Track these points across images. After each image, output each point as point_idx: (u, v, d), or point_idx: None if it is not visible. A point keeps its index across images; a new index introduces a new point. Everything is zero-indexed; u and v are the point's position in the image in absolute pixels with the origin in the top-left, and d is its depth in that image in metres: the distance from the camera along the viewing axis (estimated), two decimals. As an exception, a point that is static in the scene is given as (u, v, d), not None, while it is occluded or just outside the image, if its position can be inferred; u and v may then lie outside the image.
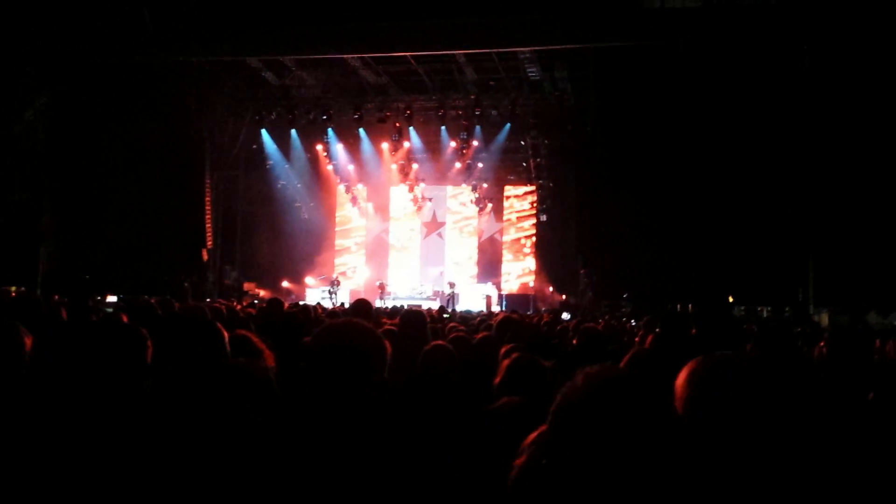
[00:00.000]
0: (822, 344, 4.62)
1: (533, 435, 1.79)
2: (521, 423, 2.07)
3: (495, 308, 20.88)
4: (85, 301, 5.77)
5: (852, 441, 2.29)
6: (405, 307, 13.10)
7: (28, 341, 2.84)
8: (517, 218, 24.72)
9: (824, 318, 13.39)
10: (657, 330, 4.72)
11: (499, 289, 23.55)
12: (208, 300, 14.64)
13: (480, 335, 5.16)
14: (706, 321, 4.13)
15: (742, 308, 15.94)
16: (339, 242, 25.89)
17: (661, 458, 1.43)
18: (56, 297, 9.03)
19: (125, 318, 4.62)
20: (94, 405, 2.21)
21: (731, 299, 16.26)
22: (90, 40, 16.80)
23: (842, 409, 2.93)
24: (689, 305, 15.41)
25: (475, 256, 25.04)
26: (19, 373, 2.75)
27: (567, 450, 1.43)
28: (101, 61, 17.31)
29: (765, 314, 15.18)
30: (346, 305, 15.35)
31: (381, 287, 22.62)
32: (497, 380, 3.08)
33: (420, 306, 13.11)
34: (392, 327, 5.01)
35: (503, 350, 3.84)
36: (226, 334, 2.73)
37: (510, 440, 2.01)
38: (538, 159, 22.50)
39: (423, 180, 24.27)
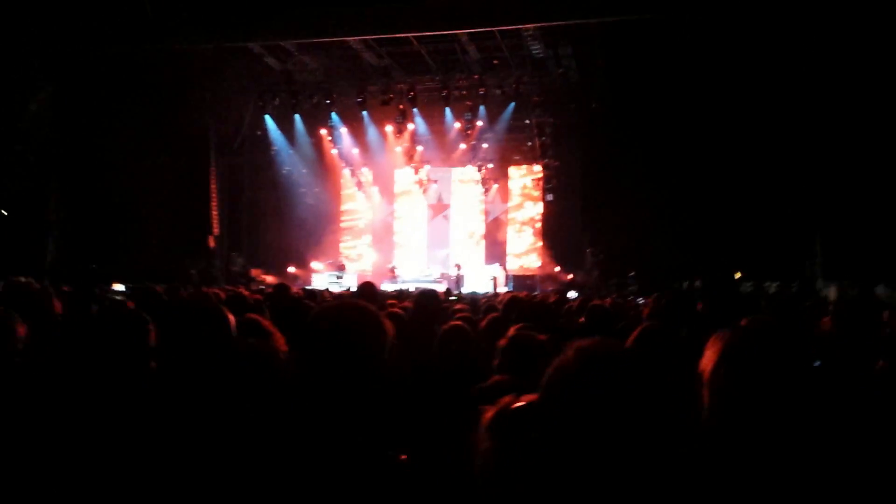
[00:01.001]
0: (826, 318, 4.59)
1: (489, 416, 1.75)
2: None
3: (502, 289, 20.88)
4: (91, 290, 5.78)
5: (865, 414, 2.28)
6: (411, 290, 13.13)
7: (21, 329, 2.87)
8: (523, 198, 24.65)
9: (832, 292, 13.32)
10: (662, 302, 4.72)
11: (505, 269, 23.55)
12: (215, 287, 14.68)
13: (489, 316, 5.15)
14: (713, 296, 4.10)
15: (750, 283, 15.89)
16: (344, 227, 25.90)
17: (651, 432, 1.42)
18: (65, 287, 9.06)
19: (131, 305, 4.64)
20: (101, 388, 2.23)
21: (739, 275, 16.21)
22: (91, 29, 16.74)
23: (852, 380, 2.92)
24: (696, 282, 15.37)
25: (481, 238, 25.01)
26: (11, 360, 2.78)
27: (557, 423, 1.42)
28: (103, 50, 17.27)
29: (773, 289, 15.12)
30: (352, 290, 15.37)
31: (392, 270, 22.66)
32: (496, 362, 3.06)
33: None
34: (398, 310, 5.01)
35: (512, 330, 3.83)
36: (231, 318, 2.74)
37: None
38: (543, 138, 22.36)
39: (427, 162, 24.19)
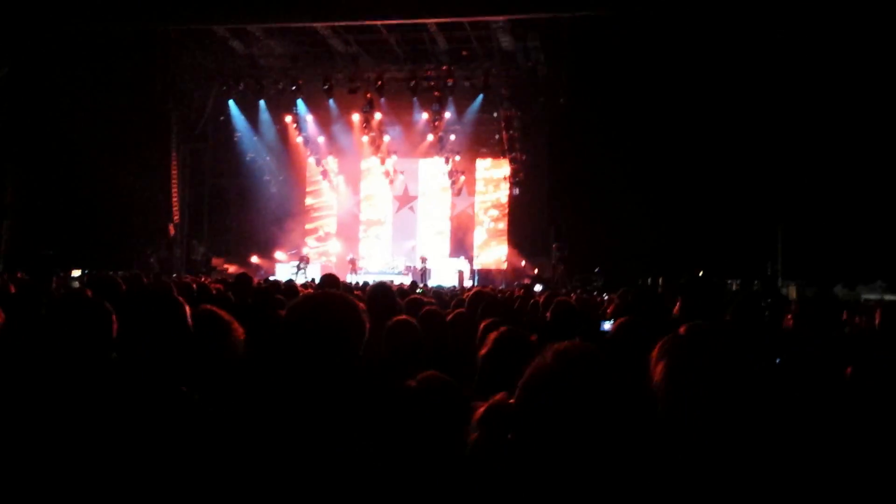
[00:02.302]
0: (789, 316, 4.68)
1: (482, 410, 1.76)
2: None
3: (467, 283, 20.91)
4: (48, 277, 5.60)
5: (833, 414, 2.30)
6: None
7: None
8: (490, 191, 24.68)
9: (792, 291, 13.61)
10: (628, 298, 4.76)
11: (471, 263, 23.57)
12: (175, 275, 14.46)
13: (454, 313, 5.11)
14: (693, 293, 4.14)
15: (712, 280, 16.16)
16: (309, 217, 25.64)
17: (627, 435, 1.42)
18: (20, 274, 8.82)
19: (89, 294, 4.50)
20: (61, 378, 2.16)
21: (700, 273, 16.47)
22: (52, 8, 16.27)
23: (815, 380, 2.95)
24: (660, 279, 15.57)
25: (447, 231, 24.98)
26: None
27: (534, 425, 1.42)
28: (64, 29, 16.79)
29: (734, 287, 15.41)
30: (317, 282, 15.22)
31: (352, 262, 22.52)
32: (483, 351, 2.98)
33: (392, 281, 13.06)
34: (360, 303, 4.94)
35: (483, 325, 3.78)
36: (188, 308, 2.67)
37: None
38: (511, 132, 22.40)
39: (394, 153, 24.06)
